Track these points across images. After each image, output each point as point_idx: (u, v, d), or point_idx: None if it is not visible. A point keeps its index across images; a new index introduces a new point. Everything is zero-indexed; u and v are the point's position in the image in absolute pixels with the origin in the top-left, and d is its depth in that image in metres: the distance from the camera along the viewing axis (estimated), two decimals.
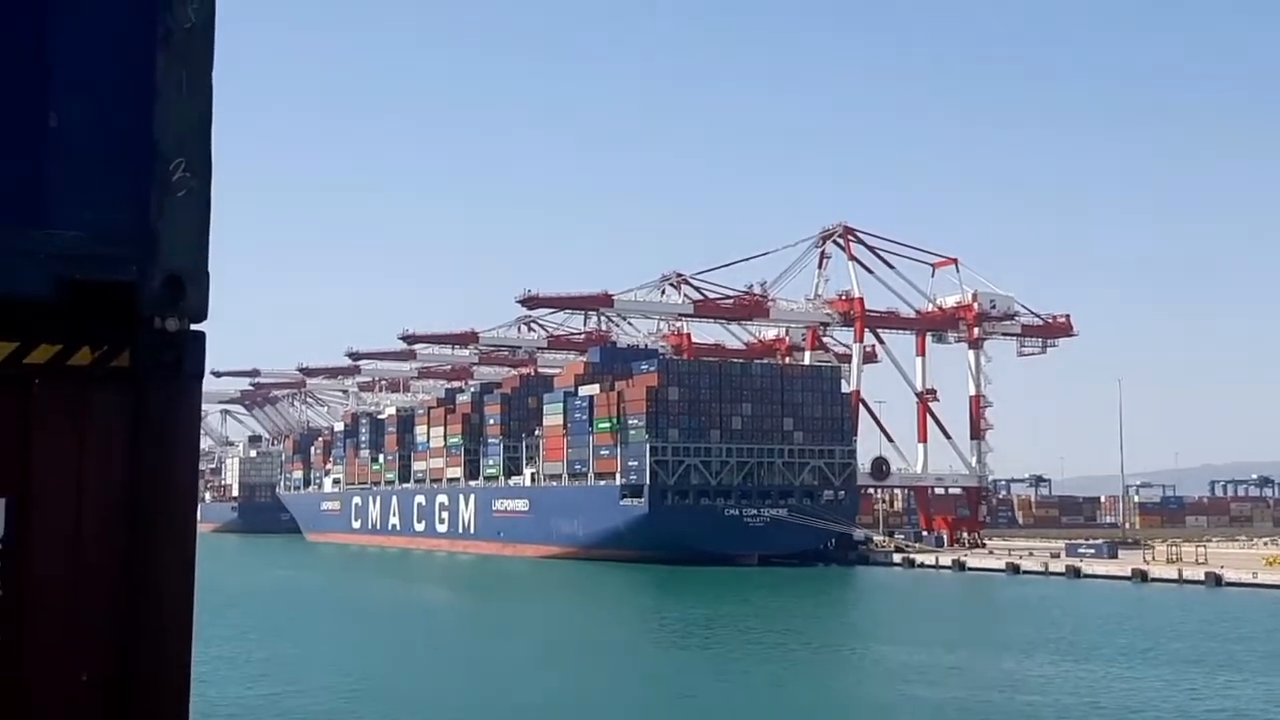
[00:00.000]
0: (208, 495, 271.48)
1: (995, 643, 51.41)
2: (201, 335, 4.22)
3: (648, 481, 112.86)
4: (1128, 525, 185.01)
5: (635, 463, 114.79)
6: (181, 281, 4.13)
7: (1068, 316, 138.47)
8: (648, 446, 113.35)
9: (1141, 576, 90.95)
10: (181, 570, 4.16)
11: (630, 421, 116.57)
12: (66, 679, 4.02)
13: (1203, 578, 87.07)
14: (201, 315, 4.19)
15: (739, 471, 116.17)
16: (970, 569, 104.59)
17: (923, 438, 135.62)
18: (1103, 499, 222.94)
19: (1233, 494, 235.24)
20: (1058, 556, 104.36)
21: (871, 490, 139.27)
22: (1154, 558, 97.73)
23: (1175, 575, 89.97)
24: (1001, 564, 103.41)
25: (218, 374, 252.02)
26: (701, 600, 74.31)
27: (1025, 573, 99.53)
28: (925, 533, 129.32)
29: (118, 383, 4.13)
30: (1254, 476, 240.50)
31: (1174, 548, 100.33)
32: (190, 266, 4.17)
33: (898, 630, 56.26)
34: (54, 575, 4.06)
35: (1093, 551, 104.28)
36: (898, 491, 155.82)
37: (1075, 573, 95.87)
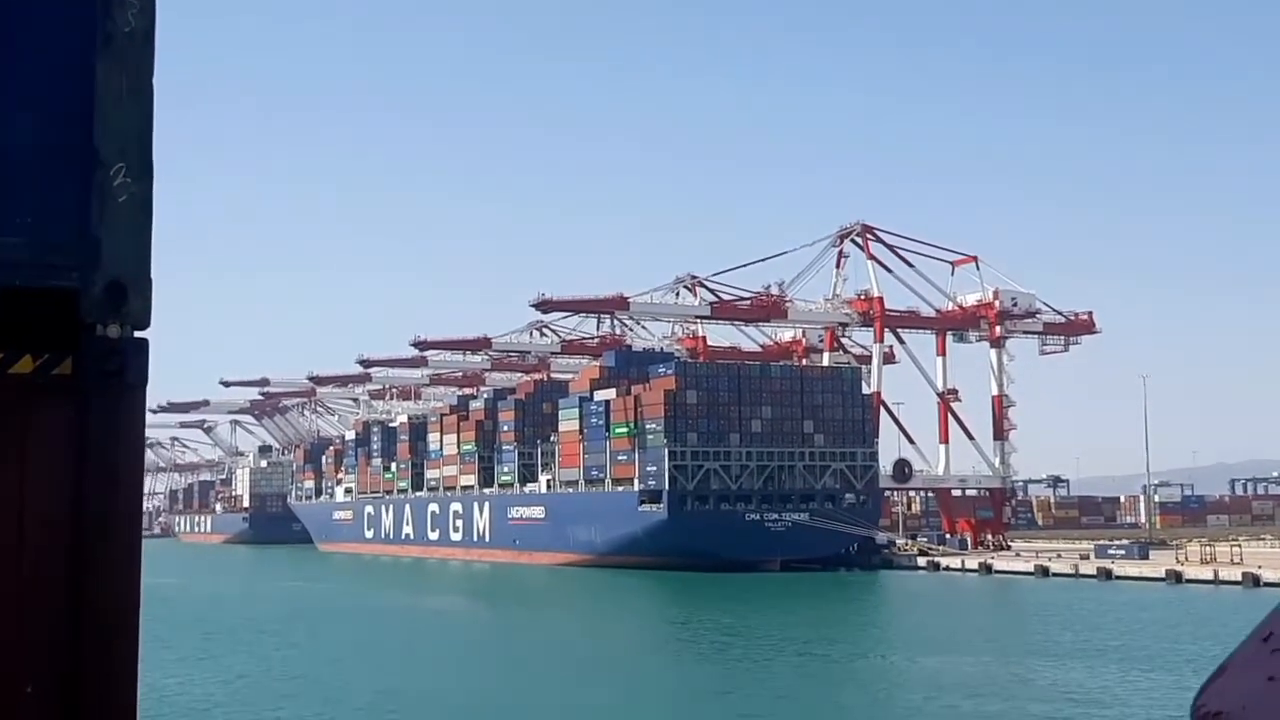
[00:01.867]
0: (219, 506, 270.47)
1: (1049, 651, 49.23)
2: (144, 342, 4.14)
3: (666, 487, 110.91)
4: (1147, 525, 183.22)
5: (654, 468, 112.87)
6: (124, 288, 4.06)
7: (1090, 314, 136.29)
8: (666, 451, 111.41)
9: (1176, 578, 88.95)
10: (127, 581, 4.07)
11: (648, 426, 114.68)
12: (10, 692, 3.94)
13: (1239, 578, 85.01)
14: (144, 322, 4.12)
15: (759, 475, 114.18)
16: (997, 572, 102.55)
17: (944, 439, 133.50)
18: (1122, 499, 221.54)
19: (1253, 492, 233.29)
20: (1087, 558, 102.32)
21: (888, 493, 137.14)
22: (1187, 558, 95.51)
23: (1211, 576, 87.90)
24: (1030, 566, 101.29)
25: (227, 384, 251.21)
26: (729, 608, 72.30)
27: (1055, 575, 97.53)
28: (948, 535, 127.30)
29: (60, 391, 4.05)
30: (1275, 474, 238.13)
31: (1208, 548, 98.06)
32: (132, 272, 4.09)
33: (942, 638, 54.11)
34: None
35: (1123, 553, 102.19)
36: (914, 494, 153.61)
37: (1107, 575, 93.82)
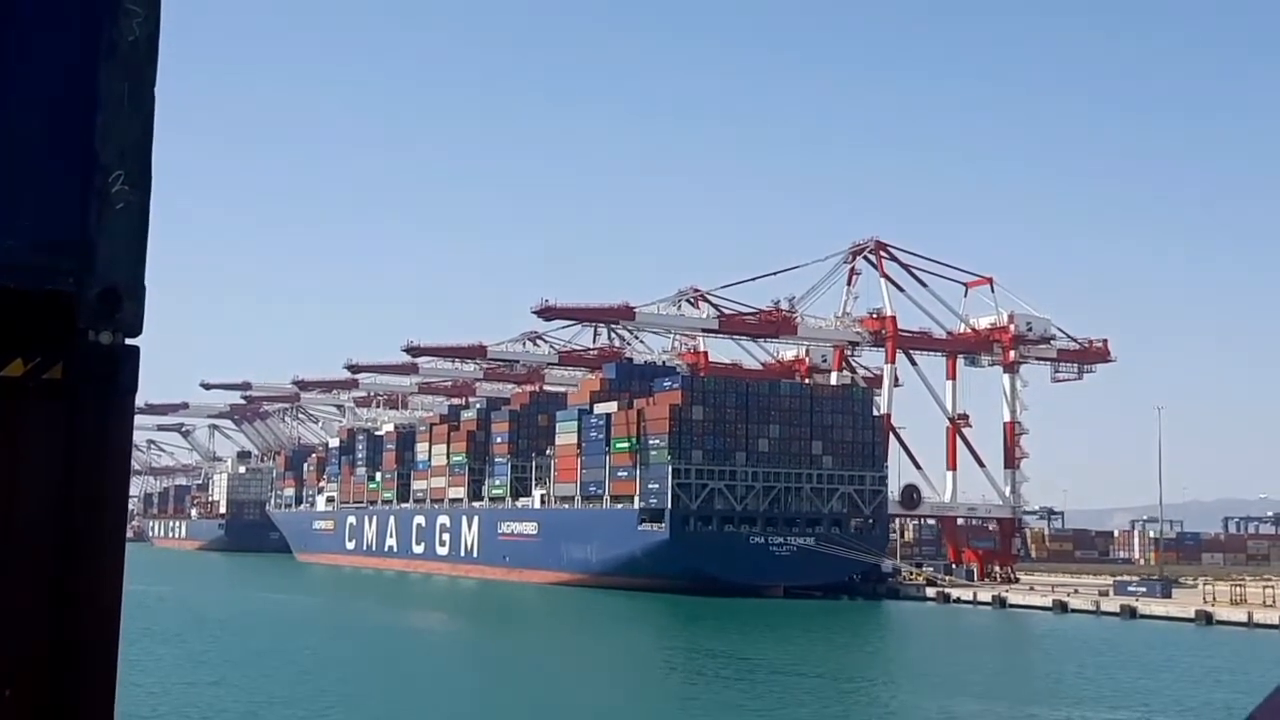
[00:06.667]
0: (194, 511, 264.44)
1: (1138, 701, 44.56)
2: (135, 350, 4.13)
3: (669, 506, 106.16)
4: (1143, 560, 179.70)
5: (656, 485, 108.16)
6: (118, 294, 4.05)
7: (1105, 341, 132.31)
8: (670, 468, 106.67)
9: (1206, 619, 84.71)
10: (110, 586, 4.05)
11: (651, 441, 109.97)
12: None
13: (1277, 622, 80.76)
14: (136, 330, 4.12)
15: (765, 497, 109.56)
16: (1012, 606, 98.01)
17: (952, 465, 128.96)
18: (1116, 533, 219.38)
19: (1246, 531, 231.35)
20: (1106, 594, 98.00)
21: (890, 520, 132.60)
22: (1215, 599, 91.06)
23: (1245, 618, 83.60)
24: (1046, 601, 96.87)
25: (207, 386, 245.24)
26: (740, 637, 67.71)
27: (1074, 611, 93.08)
28: (954, 565, 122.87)
29: (50, 396, 4.05)
30: (1270, 514, 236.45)
31: (1238, 588, 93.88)
32: (127, 280, 4.08)
33: (999, 683, 49.53)
34: None
35: (1144, 590, 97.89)
36: (909, 521, 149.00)
37: (1130, 613, 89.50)
